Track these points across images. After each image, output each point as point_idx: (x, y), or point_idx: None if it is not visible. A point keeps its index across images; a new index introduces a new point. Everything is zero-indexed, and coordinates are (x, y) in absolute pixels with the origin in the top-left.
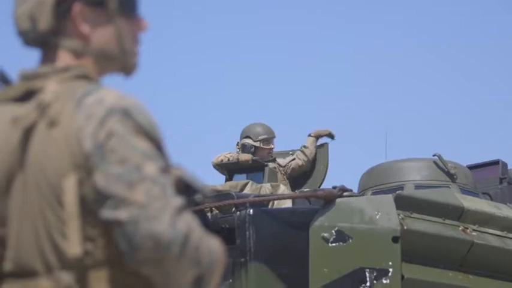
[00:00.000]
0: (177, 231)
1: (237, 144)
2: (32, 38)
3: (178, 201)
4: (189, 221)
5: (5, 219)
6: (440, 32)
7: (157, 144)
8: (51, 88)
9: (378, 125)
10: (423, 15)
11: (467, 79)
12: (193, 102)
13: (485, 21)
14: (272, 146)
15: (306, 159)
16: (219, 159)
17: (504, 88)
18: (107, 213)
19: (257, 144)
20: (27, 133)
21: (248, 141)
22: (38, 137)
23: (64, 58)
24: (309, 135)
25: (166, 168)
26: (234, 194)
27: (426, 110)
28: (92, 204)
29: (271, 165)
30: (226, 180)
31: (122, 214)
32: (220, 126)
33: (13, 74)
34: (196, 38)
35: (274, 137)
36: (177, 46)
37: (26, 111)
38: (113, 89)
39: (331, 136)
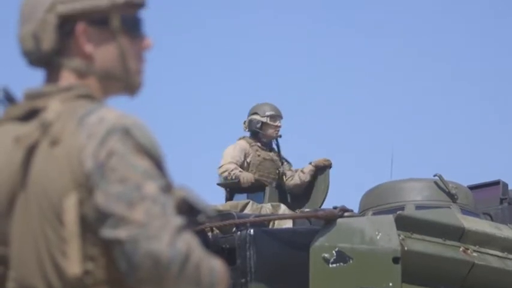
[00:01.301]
0: (177, 251)
1: (244, 123)
2: (36, 58)
3: (178, 220)
4: (189, 241)
5: (7, 238)
6: (442, 48)
7: (157, 163)
8: (53, 107)
9: (379, 144)
10: (426, 22)
11: (468, 101)
12: (194, 104)
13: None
14: (279, 124)
15: (299, 182)
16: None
17: (506, 109)
18: (107, 232)
19: (264, 119)
20: (30, 152)
21: (255, 117)
22: (40, 156)
23: (68, 78)
24: (310, 164)
25: (166, 188)
26: (234, 213)
27: (427, 130)
28: (93, 223)
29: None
30: (227, 199)
31: (121, 233)
32: (222, 126)
33: (18, 92)
34: (197, 40)
35: (282, 117)
36: (178, 47)
37: (28, 130)
38: (114, 108)
39: (329, 166)
